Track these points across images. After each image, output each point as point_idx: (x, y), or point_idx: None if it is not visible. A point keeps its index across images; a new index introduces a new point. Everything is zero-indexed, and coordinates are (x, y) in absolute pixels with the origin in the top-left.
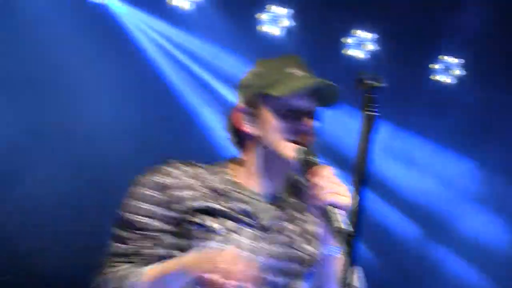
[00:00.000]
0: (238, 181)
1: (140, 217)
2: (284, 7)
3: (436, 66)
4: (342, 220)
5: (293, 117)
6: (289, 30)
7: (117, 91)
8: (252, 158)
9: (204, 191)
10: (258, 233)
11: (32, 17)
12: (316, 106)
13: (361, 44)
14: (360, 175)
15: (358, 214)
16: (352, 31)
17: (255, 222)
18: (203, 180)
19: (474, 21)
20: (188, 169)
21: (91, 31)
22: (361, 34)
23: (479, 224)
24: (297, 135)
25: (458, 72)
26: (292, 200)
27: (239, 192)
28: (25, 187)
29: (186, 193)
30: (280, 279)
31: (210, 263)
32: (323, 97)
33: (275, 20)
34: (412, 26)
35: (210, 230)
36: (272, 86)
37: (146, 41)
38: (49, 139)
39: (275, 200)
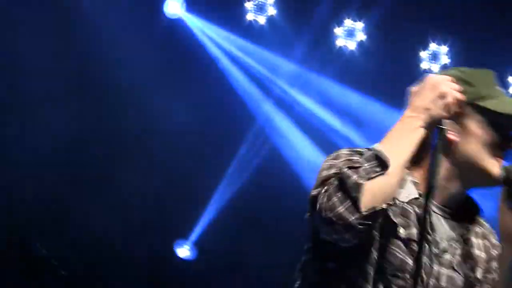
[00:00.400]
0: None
1: None
2: (360, 21)
3: None
4: None
5: (503, 136)
6: (362, 44)
7: (191, 104)
8: (441, 165)
9: None
10: (433, 249)
11: (109, 31)
12: None
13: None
14: None
15: None
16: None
17: (430, 236)
18: None
19: None
20: None
21: (166, 45)
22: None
23: None
24: (501, 154)
25: None
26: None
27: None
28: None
29: None
30: None
31: (430, 95)
32: None
33: (351, 34)
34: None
35: (394, 231)
36: (487, 99)
37: (221, 55)
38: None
39: (451, 215)
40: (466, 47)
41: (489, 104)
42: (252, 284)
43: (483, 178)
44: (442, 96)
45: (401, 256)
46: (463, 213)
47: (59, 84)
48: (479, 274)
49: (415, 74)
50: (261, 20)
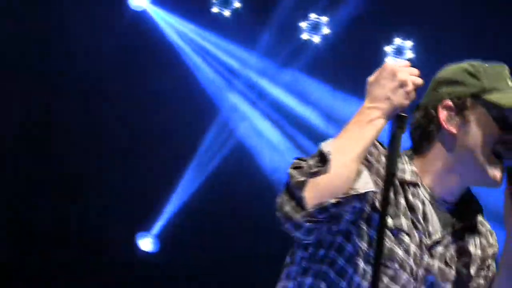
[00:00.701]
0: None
1: None
2: (325, 16)
3: None
4: None
5: (508, 132)
6: (327, 38)
7: (154, 98)
8: (440, 156)
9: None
10: (424, 240)
11: (72, 22)
12: None
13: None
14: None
15: None
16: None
17: (424, 227)
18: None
19: None
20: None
21: (131, 38)
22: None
23: None
24: (504, 150)
25: None
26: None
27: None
28: None
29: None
30: None
31: (389, 83)
32: None
33: (316, 28)
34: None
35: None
36: (495, 93)
37: (186, 47)
38: None
39: (448, 208)
40: (431, 42)
41: (493, 97)
42: (215, 276)
43: (480, 177)
44: (401, 83)
45: (389, 246)
46: (462, 208)
47: (19, 74)
48: (472, 271)
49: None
50: (226, 12)
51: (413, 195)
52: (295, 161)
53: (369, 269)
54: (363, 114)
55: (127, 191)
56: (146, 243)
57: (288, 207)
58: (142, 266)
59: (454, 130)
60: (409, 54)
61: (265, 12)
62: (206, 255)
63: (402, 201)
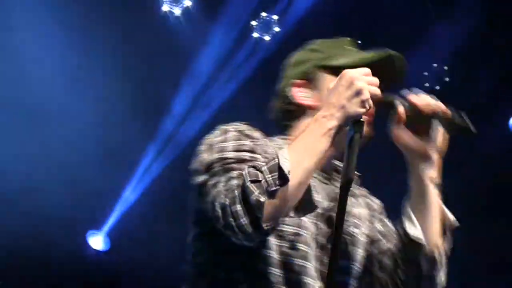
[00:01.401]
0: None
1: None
2: (277, 15)
3: None
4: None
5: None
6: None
7: (107, 97)
8: None
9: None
10: (317, 209)
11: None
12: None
13: None
14: None
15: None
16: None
17: (311, 197)
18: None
19: None
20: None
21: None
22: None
23: None
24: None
25: None
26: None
27: None
28: None
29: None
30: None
31: (348, 91)
32: (389, 73)
33: (267, 26)
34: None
35: None
36: (334, 58)
37: None
38: None
39: (328, 179)
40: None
41: (335, 61)
42: (166, 275)
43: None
44: (358, 92)
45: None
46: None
47: None
48: (364, 229)
49: None
50: (177, 11)
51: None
52: (251, 170)
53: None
54: (318, 123)
55: (78, 189)
56: (97, 242)
57: (244, 220)
58: (93, 264)
59: (311, 103)
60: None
61: (216, 10)
62: (158, 253)
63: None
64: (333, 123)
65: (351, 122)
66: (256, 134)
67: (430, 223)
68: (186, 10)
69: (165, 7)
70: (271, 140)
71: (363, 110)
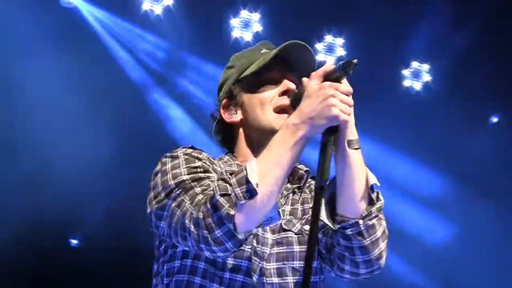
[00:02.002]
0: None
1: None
2: (256, 12)
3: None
4: None
5: (269, 88)
6: (258, 35)
7: (85, 94)
8: (245, 145)
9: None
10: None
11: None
12: (294, 73)
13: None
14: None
15: None
16: (323, 36)
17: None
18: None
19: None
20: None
21: (62, 35)
22: (331, 39)
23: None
24: (276, 102)
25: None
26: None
27: None
28: None
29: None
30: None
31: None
32: (298, 63)
33: (247, 25)
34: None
35: None
36: (244, 70)
37: (116, 44)
38: None
39: None
40: (362, 39)
41: (248, 71)
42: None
43: (271, 134)
44: (328, 104)
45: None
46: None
47: None
48: (296, 224)
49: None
50: (157, 9)
51: None
52: (220, 183)
53: None
54: (288, 132)
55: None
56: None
57: (218, 232)
58: (72, 261)
59: (238, 119)
60: (340, 52)
61: (196, 8)
62: (138, 248)
63: None
64: (302, 133)
65: (325, 129)
66: (203, 155)
67: (353, 193)
68: (166, 8)
69: (146, 5)
70: (220, 159)
71: (334, 122)
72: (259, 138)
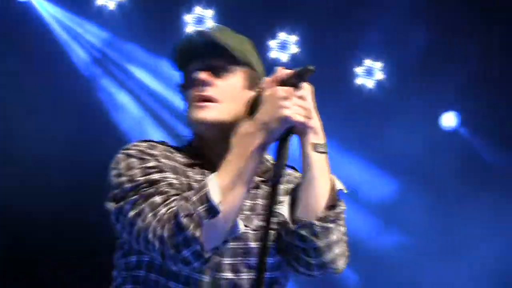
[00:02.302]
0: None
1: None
2: (210, 9)
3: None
4: None
5: (193, 84)
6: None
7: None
8: (199, 141)
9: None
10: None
11: None
12: (213, 66)
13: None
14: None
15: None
16: (277, 33)
17: None
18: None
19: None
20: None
21: (14, 30)
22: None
23: None
24: (198, 91)
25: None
26: None
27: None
28: None
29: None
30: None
31: (276, 109)
32: (216, 55)
33: (200, 21)
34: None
35: None
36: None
37: (69, 39)
38: None
39: None
40: (316, 36)
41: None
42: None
43: (198, 127)
44: (280, 106)
45: None
46: None
47: None
48: (257, 221)
49: (264, 64)
50: (111, 5)
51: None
52: (182, 204)
53: None
54: (245, 142)
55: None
56: None
57: (186, 252)
58: None
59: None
60: (294, 49)
61: (150, 4)
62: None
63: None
64: (258, 141)
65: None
66: (157, 150)
67: (313, 196)
68: (120, 4)
69: (100, 0)
70: (178, 150)
71: (285, 125)
72: (199, 136)
